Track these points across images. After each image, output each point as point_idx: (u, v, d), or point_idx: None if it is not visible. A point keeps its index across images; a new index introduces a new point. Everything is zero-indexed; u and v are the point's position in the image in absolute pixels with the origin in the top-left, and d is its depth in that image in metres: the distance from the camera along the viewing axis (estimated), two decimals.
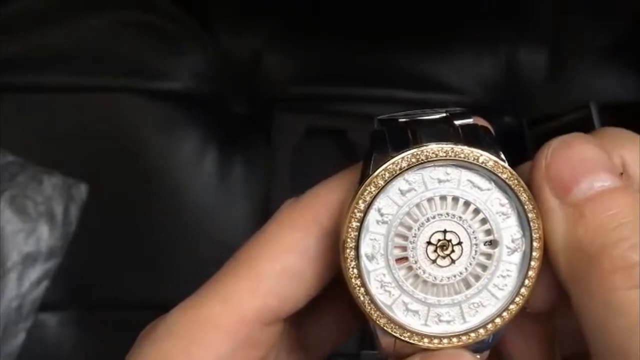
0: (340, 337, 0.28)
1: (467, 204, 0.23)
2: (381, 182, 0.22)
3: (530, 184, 0.23)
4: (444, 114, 0.24)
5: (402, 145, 0.23)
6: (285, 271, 0.23)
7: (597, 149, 0.22)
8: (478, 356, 0.24)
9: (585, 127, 0.53)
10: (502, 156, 0.23)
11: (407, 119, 0.24)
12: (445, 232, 0.23)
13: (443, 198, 0.23)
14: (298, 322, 0.27)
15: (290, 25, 0.61)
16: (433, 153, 0.22)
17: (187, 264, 0.57)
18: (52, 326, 0.57)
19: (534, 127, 0.57)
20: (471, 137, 0.23)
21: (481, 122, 0.24)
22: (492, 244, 0.23)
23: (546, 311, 0.24)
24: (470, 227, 0.23)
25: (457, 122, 0.23)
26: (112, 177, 0.58)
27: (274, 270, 0.23)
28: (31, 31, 0.59)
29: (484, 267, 0.23)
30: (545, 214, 0.22)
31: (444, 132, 0.23)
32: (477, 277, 0.23)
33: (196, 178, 0.58)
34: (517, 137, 0.58)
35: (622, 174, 0.22)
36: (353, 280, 0.23)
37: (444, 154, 0.22)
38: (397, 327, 0.23)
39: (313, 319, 0.27)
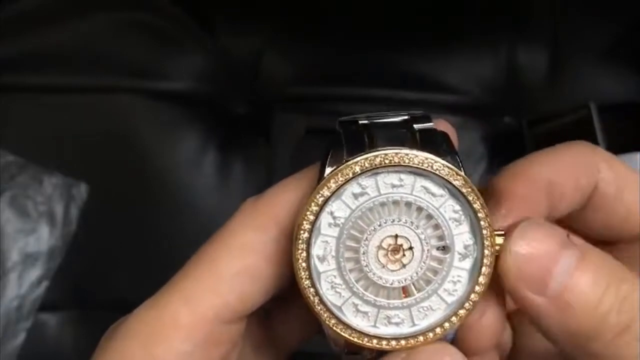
0: (305, 333, 0.28)
1: (420, 209, 0.23)
2: (334, 186, 0.23)
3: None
4: (405, 117, 0.24)
5: (358, 149, 0.23)
6: (244, 271, 0.24)
7: (549, 231, 0.23)
8: None
9: (584, 127, 0.53)
10: (459, 162, 0.23)
11: (367, 122, 0.24)
12: (396, 237, 0.23)
13: (396, 203, 0.23)
14: (263, 319, 0.27)
15: (290, 25, 0.61)
16: (387, 159, 0.23)
17: None
18: (52, 326, 0.57)
19: (534, 127, 0.57)
20: (428, 142, 0.23)
21: (442, 126, 0.24)
22: (444, 249, 0.23)
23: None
24: (422, 232, 0.23)
25: (416, 126, 0.24)
26: (112, 177, 0.58)
27: (233, 269, 0.24)
28: (31, 31, 0.59)
29: (435, 272, 0.24)
30: (534, 313, 0.23)
31: (401, 136, 0.23)
32: (428, 282, 0.24)
33: (196, 178, 0.58)
34: (517, 137, 0.58)
35: (568, 235, 0.24)
36: (303, 280, 0.23)
37: (398, 160, 0.23)
38: (345, 327, 0.23)
39: (278, 315, 0.28)
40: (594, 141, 0.52)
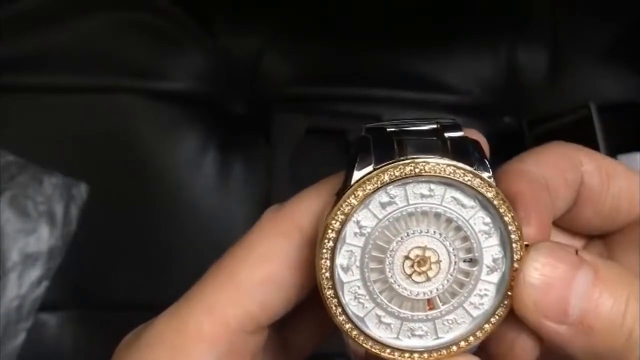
0: (322, 337, 0.28)
1: (449, 220, 0.22)
2: (361, 195, 0.22)
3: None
4: (434, 125, 0.23)
5: (387, 156, 0.22)
6: (266, 280, 0.23)
7: (559, 255, 0.22)
8: None
9: (584, 127, 0.53)
10: (490, 173, 0.22)
11: (395, 129, 0.23)
12: (424, 248, 0.22)
13: (425, 214, 0.22)
14: (280, 325, 0.26)
15: (290, 25, 0.61)
16: (417, 168, 0.22)
17: (187, 264, 0.57)
18: (52, 326, 0.57)
19: (534, 127, 0.57)
20: (459, 151, 0.22)
21: (472, 134, 0.24)
22: (472, 262, 0.23)
23: None
24: (451, 244, 0.23)
25: (446, 135, 0.23)
26: (112, 177, 0.58)
27: (255, 279, 0.23)
28: (31, 31, 0.59)
29: (462, 285, 0.23)
30: (558, 342, 0.22)
31: (431, 144, 0.22)
32: (454, 294, 0.23)
33: (196, 178, 0.58)
34: (517, 137, 0.58)
35: (577, 251, 0.23)
36: (326, 290, 0.22)
37: (429, 170, 0.22)
38: (367, 339, 0.23)
39: (295, 321, 0.27)
40: (594, 141, 0.52)
